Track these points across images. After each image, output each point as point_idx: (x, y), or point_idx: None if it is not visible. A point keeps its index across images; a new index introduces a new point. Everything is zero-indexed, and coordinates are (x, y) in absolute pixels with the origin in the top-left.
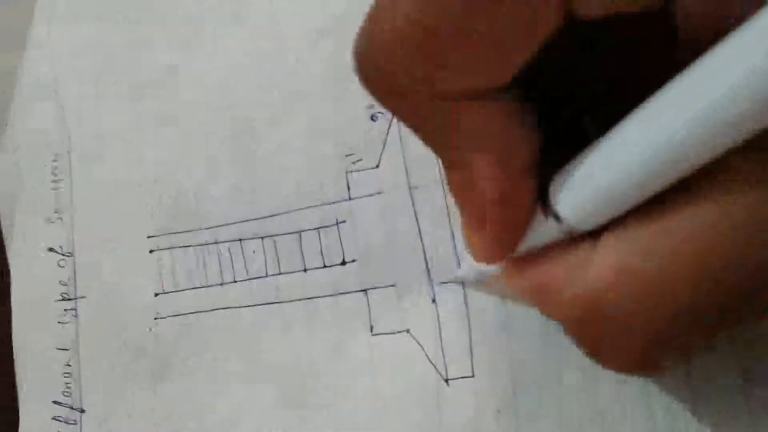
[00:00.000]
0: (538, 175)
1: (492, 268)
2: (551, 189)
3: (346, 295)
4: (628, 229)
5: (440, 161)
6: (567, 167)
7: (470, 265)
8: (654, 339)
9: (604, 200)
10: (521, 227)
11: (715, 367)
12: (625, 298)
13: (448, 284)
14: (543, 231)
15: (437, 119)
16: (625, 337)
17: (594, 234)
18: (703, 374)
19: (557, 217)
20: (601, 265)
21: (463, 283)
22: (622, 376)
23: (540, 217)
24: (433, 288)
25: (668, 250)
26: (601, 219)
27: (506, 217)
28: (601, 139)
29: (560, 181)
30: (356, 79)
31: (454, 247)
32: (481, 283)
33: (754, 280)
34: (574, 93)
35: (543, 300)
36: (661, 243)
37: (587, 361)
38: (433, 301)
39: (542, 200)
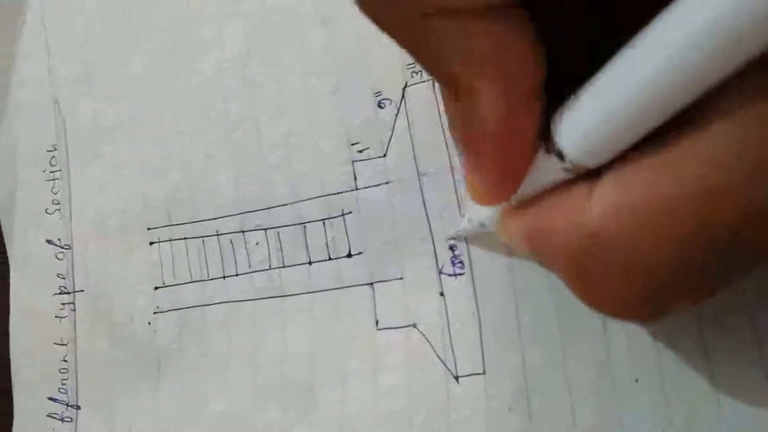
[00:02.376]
0: (542, 105)
1: (493, 216)
2: (553, 124)
3: (352, 288)
4: (628, 166)
5: (441, 91)
6: (569, 100)
7: (473, 217)
8: (651, 280)
9: (607, 130)
10: (523, 160)
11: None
12: (624, 235)
13: (457, 276)
14: (545, 171)
15: (437, 40)
16: (621, 277)
17: (594, 176)
18: (726, 372)
19: (560, 155)
20: (599, 203)
21: (466, 239)
22: (639, 375)
23: (542, 156)
24: (441, 281)
25: (670, 185)
26: (604, 153)
27: (508, 147)
28: (601, 68)
29: (562, 114)
30: (361, 65)
31: (465, 236)
32: (484, 236)
33: (759, 220)
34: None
35: (540, 244)
36: (663, 179)
37: (603, 359)
38: (441, 294)
39: (545, 138)
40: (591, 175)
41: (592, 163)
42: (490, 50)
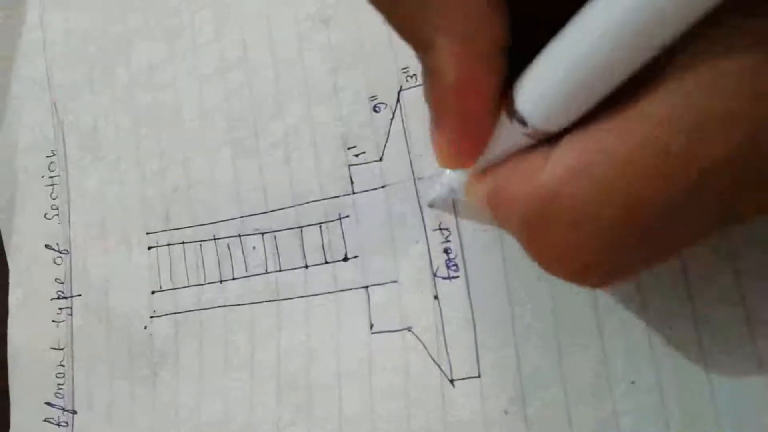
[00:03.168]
0: (504, 68)
1: (462, 181)
2: (514, 90)
3: (347, 292)
4: (582, 130)
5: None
6: (529, 66)
7: (444, 182)
8: (600, 241)
9: (563, 93)
10: (484, 122)
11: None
12: (575, 196)
13: (451, 279)
14: (508, 137)
15: None
16: (573, 238)
17: (553, 143)
18: (723, 373)
19: (521, 120)
20: (553, 166)
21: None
22: (635, 377)
23: (505, 122)
24: (435, 284)
25: (621, 146)
26: (562, 116)
27: (468, 105)
28: (557, 33)
29: (522, 79)
30: (357, 68)
31: (460, 240)
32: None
33: (709, 181)
34: None
35: (498, 206)
36: (614, 140)
37: (599, 361)
38: (436, 297)
39: (507, 106)
40: (551, 141)
41: (551, 127)
42: (447, 3)
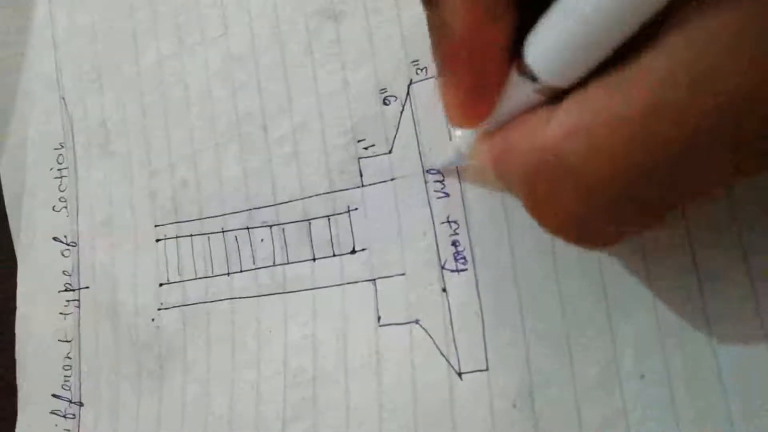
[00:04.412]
0: (513, 22)
1: (470, 143)
2: (525, 46)
3: (354, 284)
4: (588, 90)
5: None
6: (539, 20)
7: (453, 146)
8: (596, 198)
9: (573, 46)
10: (493, 76)
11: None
12: (574, 153)
13: (459, 272)
14: (517, 95)
15: None
16: (568, 195)
17: (558, 103)
18: (735, 366)
19: (531, 75)
20: (557, 122)
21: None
22: (645, 372)
23: (514, 79)
24: (443, 277)
25: (620, 103)
26: (572, 70)
27: (476, 58)
28: None
29: (532, 34)
30: (366, 61)
31: (468, 233)
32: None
33: (705, 137)
34: None
35: (502, 164)
36: (614, 98)
37: (608, 355)
38: (444, 290)
39: (518, 63)
40: (557, 103)
41: (560, 82)
42: None
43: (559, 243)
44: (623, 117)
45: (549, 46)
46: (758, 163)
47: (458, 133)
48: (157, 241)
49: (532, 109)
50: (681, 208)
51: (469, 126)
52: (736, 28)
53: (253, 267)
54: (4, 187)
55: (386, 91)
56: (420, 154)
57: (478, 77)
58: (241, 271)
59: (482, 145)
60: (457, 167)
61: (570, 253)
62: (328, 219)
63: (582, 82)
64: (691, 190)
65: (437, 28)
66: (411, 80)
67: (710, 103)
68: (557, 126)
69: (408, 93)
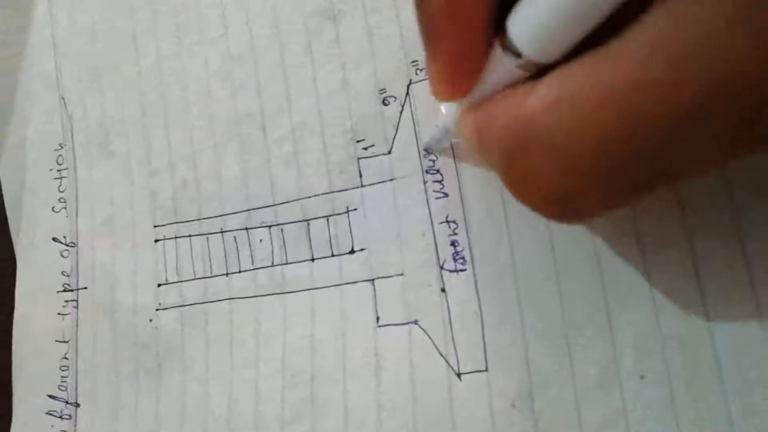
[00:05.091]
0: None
1: (455, 118)
2: (508, 21)
3: (353, 285)
4: (570, 65)
5: None
6: None
7: (439, 123)
8: (575, 172)
9: (556, 21)
10: (476, 48)
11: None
12: (556, 125)
13: (458, 273)
14: (501, 70)
15: None
16: (547, 168)
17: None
18: (735, 366)
19: (514, 51)
20: (537, 95)
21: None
22: (645, 372)
23: (498, 53)
24: (442, 277)
25: (602, 78)
26: (555, 45)
27: (459, 30)
28: None
29: (516, 9)
30: (366, 62)
31: (467, 233)
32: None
33: (687, 120)
34: None
35: (483, 137)
36: (596, 73)
37: (608, 355)
38: (443, 290)
39: (501, 38)
40: (540, 77)
41: (543, 58)
42: None
43: (559, 243)
44: (606, 91)
45: (532, 22)
46: (748, 143)
47: (444, 109)
48: (156, 241)
49: (515, 84)
50: (672, 188)
51: (453, 99)
52: (720, 5)
53: (252, 267)
54: (3, 187)
55: (386, 92)
56: (419, 154)
57: (460, 49)
58: (239, 272)
59: (466, 120)
60: (456, 167)
61: (570, 253)
62: (327, 219)
63: (565, 59)
64: (678, 169)
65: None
66: (410, 80)
67: (695, 80)
68: (537, 99)
69: (407, 93)
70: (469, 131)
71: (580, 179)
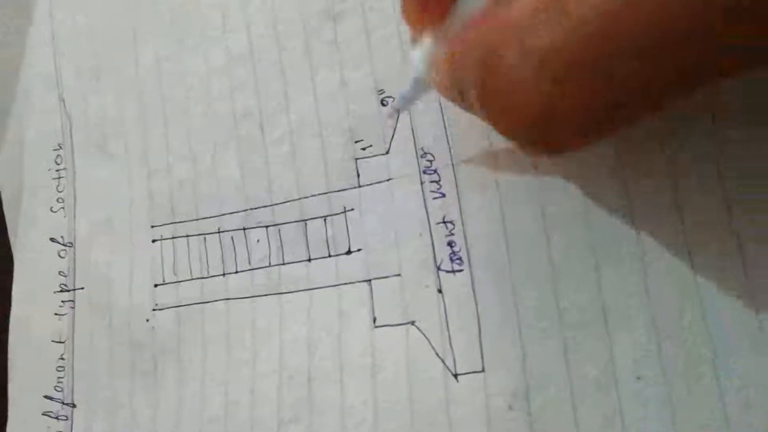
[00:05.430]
0: None
1: (428, 60)
2: None
3: (349, 285)
4: None
5: None
6: None
7: (411, 68)
8: (558, 83)
9: None
10: None
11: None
12: (540, 30)
13: (455, 273)
14: None
15: None
16: (529, 78)
17: None
18: (734, 367)
19: None
20: (519, 4)
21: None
22: (642, 373)
23: None
24: (439, 277)
25: None
26: None
27: None
28: None
29: None
30: (364, 62)
31: (464, 233)
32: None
33: (675, 26)
34: None
35: (458, 60)
36: None
37: (605, 356)
38: (440, 291)
39: None
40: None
41: None
42: None
43: (556, 243)
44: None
45: None
46: (736, 59)
47: (416, 54)
48: (153, 241)
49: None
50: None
51: (427, 26)
52: None
53: (249, 267)
54: (1, 187)
55: (384, 92)
56: (416, 154)
57: None
58: (236, 272)
59: (439, 50)
60: (453, 168)
61: (567, 254)
62: (325, 219)
63: None
64: (663, 80)
65: None
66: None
67: None
68: (519, 7)
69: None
70: (443, 61)
71: (561, 89)
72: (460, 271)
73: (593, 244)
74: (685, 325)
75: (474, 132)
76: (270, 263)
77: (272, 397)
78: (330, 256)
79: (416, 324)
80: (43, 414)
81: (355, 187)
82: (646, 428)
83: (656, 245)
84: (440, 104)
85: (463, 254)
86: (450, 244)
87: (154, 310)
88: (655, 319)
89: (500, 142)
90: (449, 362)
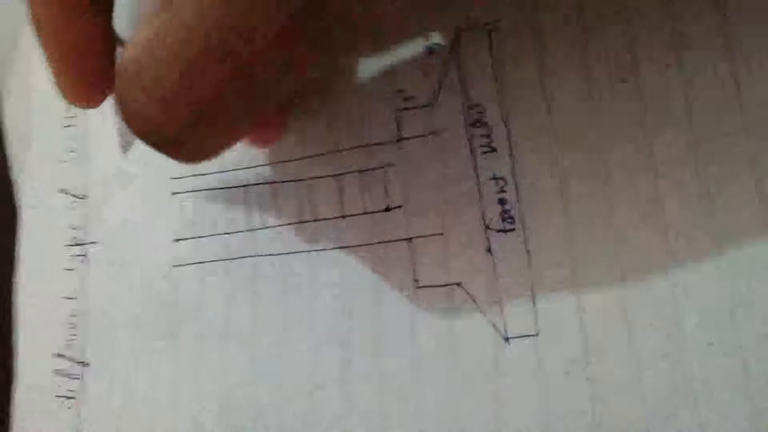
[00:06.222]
0: (103, 12)
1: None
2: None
3: (387, 243)
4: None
5: None
6: None
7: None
8: (167, 94)
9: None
10: (91, 62)
11: None
12: (145, 58)
13: (506, 233)
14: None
15: None
16: (146, 94)
17: None
18: None
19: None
20: (132, 41)
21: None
22: (713, 339)
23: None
24: (488, 237)
25: (174, 9)
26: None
27: (70, 52)
28: None
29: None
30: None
31: (516, 191)
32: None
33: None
34: None
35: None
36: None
37: (672, 319)
38: (489, 251)
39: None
40: None
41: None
42: None
43: (619, 203)
44: (176, 16)
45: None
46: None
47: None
48: (174, 194)
49: None
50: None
51: (91, 106)
52: None
53: (278, 223)
54: (8, 136)
55: (431, 38)
56: (464, 106)
57: (79, 70)
58: (263, 227)
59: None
60: (505, 120)
61: (630, 214)
62: (361, 174)
63: None
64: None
65: (33, 23)
66: (459, 28)
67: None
68: (130, 47)
69: (454, 42)
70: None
71: (169, 102)
72: (512, 230)
73: (664, 202)
74: (757, 288)
75: (528, 82)
76: (300, 219)
77: (303, 362)
78: (366, 212)
79: (462, 285)
80: (54, 372)
81: (395, 141)
82: (718, 398)
83: (731, 212)
84: (491, 53)
85: (515, 213)
86: (501, 201)
87: (174, 266)
88: (724, 283)
89: (557, 94)
90: (499, 325)
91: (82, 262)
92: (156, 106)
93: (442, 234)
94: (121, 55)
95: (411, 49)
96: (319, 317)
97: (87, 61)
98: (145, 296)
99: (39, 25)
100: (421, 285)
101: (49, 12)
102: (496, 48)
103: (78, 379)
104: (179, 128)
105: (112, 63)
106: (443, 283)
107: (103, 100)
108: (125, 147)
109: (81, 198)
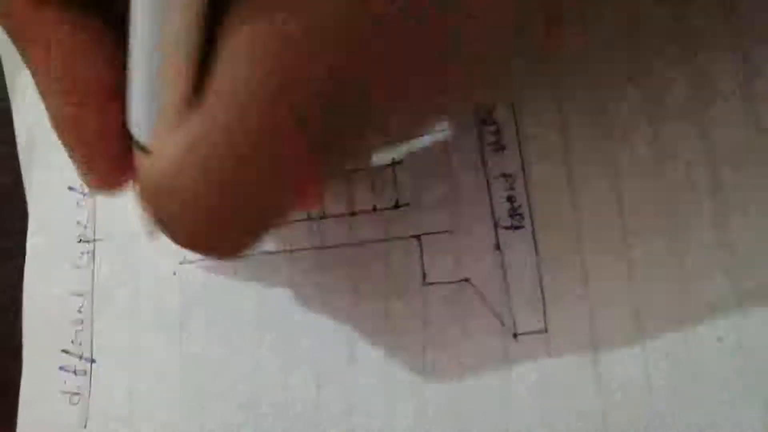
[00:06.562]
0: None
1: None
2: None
3: (397, 241)
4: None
5: None
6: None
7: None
8: (214, 207)
9: (150, 104)
10: (110, 157)
11: None
12: (188, 170)
13: (515, 230)
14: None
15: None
16: (189, 209)
17: None
18: None
19: (138, 145)
20: (155, 160)
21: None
22: (721, 338)
23: (137, 152)
24: (497, 234)
25: (200, 126)
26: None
27: (88, 144)
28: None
29: (128, 105)
30: None
31: (526, 188)
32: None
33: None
34: None
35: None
36: (213, 109)
37: (681, 315)
38: (498, 248)
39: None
40: None
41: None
42: (46, 41)
43: (630, 201)
44: (222, 120)
45: (137, 112)
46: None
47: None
48: None
49: None
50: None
51: (109, 189)
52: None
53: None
54: (17, 133)
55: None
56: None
57: (95, 158)
58: None
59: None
60: (515, 118)
61: (640, 213)
62: (371, 171)
63: None
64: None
65: (49, 113)
66: None
67: (265, 116)
68: (155, 163)
69: None
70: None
71: (216, 215)
72: (521, 227)
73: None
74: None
75: (539, 81)
76: (309, 216)
77: (309, 358)
78: (375, 210)
79: (471, 282)
80: (60, 368)
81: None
82: (727, 394)
83: (740, 210)
84: None
85: (524, 210)
86: (509, 199)
87: (181, 263)
88: (737, 281)
89: (567, 91)
90: (507, 321)
91: (89, 258)
92: (205, 227)
93: (451, 231)
94: (139, 157)
95: (422, 143)
96: (325, 313)
97: (105, 158)
98: (151, 293)
99: (54, 120)
100: (429, 281)
101: (60, 100)
102: None
103: (84, 375)
104: (238, 250)
105: (112, 149)
106: (452, 280)
107: (124, 185)
108: (151, 236)
109: (89, 195)
